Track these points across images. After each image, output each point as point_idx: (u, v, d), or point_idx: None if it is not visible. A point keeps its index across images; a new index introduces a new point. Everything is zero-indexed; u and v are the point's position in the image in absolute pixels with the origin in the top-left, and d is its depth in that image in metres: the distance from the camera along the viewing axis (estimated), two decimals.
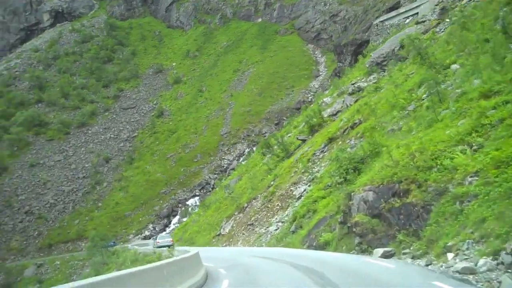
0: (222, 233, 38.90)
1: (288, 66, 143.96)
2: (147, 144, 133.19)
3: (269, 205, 31.59)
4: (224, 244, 35.49)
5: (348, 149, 27.18)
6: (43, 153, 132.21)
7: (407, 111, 25.34)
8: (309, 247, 21.43)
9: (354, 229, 16.28)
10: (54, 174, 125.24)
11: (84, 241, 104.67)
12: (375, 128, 26.02)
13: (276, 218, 29.52)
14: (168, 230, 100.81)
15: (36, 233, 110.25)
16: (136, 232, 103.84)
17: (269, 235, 28.09)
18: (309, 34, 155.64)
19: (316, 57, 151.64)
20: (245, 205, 37.77)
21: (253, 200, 36.38)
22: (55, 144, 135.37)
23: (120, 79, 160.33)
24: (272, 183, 35.28)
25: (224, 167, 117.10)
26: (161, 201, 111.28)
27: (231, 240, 34.90)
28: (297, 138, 44.92)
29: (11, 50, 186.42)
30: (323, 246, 19.80)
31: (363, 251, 16.34)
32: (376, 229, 15.25)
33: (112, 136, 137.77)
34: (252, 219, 33.12)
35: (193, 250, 21.26)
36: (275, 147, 46.39)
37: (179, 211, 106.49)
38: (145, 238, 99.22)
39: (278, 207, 30.35)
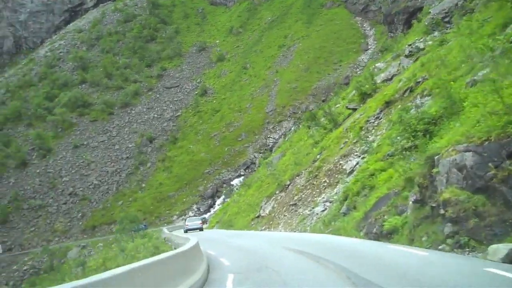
0: (262, 214, 34.06)
1: (335, 40, 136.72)
2: (191, 123, 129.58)
3: (315, 182, 26.40)
4: (263, 227, 30.69)
5: (412, 110, 21.54)
6: (87, 134, 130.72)
7: (491, 57, 19.22)
8: (367, 235, 16.07)
9: (442, 211, 10.71)
10: (98, 155, 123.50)
11: None
12: (448, 82, 20.17)
13: (323, 197, 24.30)
14: (212, 211, 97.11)
15: (80, 214, 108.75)
16: (180, 213, 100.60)
17: (314, 217, 22.96)
18: (357, 7, 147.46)
19: (364, 30, 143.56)
20: (288, 182, 32.66)
21: (297, 177, 31.25)
22: (98, 125, 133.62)
23: (163, 58, 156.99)
24: (318, 157, 29.99)
25: (270, 146, 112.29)
26: (205, 181, 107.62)
27: (271, 222, 30.05)
28: (347, 107, 39.27)
29: (56, 32, 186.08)
30: (389, 235, 14.40)
31: (461, 246, 10.45)
32: (482, 211, 9.76)
33: (155, 115, 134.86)
34: (295, 198, 28.02)
35: (191, 241, 16.14)
36: (322, 119, 40.88)
37: (224, 192, 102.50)
38: (203, 219, 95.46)
39: (325, 184, 25.11)
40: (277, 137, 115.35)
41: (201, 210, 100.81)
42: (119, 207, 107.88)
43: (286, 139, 73.57)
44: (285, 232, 24.74)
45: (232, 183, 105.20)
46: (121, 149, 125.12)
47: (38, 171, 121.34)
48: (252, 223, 35.75)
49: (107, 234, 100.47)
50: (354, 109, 37.10)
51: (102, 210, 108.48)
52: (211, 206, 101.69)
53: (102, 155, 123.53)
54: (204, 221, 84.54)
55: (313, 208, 24.36)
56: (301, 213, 25.48)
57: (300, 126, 78.85)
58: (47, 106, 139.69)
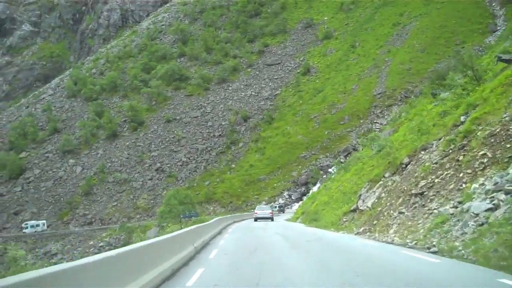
0: (361, 207, 22.41)
1: (458, 19, 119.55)
2: (290, 103, 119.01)
3: (461, 157, 14.39)
4: (360, 229, 19.09)
5: None
6: (181, 109, 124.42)
7: None
8: None
9: None
10: (190, 131, 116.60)
11: (213, 204, 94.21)
12: None
13: (483, 184, 12.35)
14: (304, 199, 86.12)
15: (165, 192, 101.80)
16: (269, 199, 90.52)
17: (469, 222, 11.16)
18: None
19: (493, 9, 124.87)
20: (406, 160, 20.65)
21: (422, 152, 19.22)
22: (193, 100, 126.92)
23: (266, 34, 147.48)
24: (462, 118, 17.74)
25: (376, 132, 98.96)
26: (300, 167, 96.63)
27: (374, 222, 18.42)
28: (499, 58, 26.48)
29: (161, 5, 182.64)
30: None
31: None
32: None
33: (253, 93, 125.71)
34: (421, 185, 16.16)
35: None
36: (457, 78, 28.25)
37: (320, 179, 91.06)
38: (280, 207, 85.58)
39: (485, 160, 13.01)
40: (384, 122, 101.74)
41: (293, 198, 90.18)
42: (205, 187, 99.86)
43: (398, 116, 60.37)
44: (401, 248, 12.99)
45: (330, 170, 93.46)
46: (213, 126, 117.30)
47: (127, 143, 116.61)
48: (345, 219, 24.29)
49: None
50: (509, 61, 24.38)
51: (187, 189, 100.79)
52: (304, 194, 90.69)
53: (194, 132, 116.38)
54: (281, 209, 73.71)
55: (461, 202, 12.55)
56: (435, 211, 13.74)
57: (420, 92, 65.30)
58: (143, 78, 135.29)
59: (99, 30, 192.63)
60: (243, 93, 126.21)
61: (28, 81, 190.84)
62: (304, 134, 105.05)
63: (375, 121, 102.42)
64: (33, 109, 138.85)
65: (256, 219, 42.38)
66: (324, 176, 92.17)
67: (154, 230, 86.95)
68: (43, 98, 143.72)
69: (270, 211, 44.59)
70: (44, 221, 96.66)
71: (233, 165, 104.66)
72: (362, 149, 47.24)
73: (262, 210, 44.95)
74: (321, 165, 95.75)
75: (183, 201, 64.61)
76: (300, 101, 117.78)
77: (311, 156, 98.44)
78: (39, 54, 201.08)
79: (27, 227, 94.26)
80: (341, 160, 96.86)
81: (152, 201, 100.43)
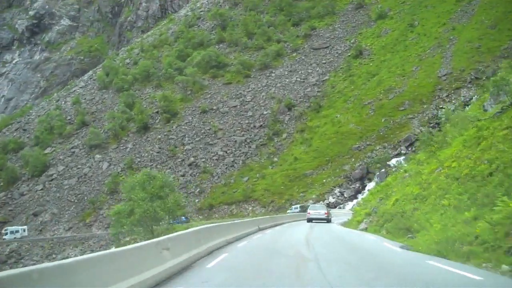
0: None
1: None
2: (340, 88, 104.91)
3: None
4: None
5: None
6: (218, 98, 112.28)
7: None
8: None
9: None
10: (227, 122, 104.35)
11: (251, 203, 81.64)
12: None
13: None
14: (359, 197, 72.24)
15: (198, 190, 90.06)
16: (318, 197, 76.94)
17: None
18: None
19: None
20: None
21: None
22: (232, 88, 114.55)
23: (313, 16, 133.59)
24: None
25: (442, 118, 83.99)
26: (353, 159, 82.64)
27: None
28: None
29: None
30: None
31: None
32: None
33: (298, 79, 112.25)
34: None
35: None
36: None
37: (378, 173, 76.89)
38: (329, 205, 72.10)
39: None
40: (452, 108, 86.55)
41: (345, 195, 76.36)
42: (243, 184, 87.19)
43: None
44: None
45: (389, 163, 79.11)
46: (254, 116, 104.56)
47: (159, 136, 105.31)
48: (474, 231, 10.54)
49: (227, 216, 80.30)
50: None
51: (223, 187, 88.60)
52: (359, 191, 76.73)
53: (232, 122, 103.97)
54: (303, 209, 61.78)
55: None
56: None
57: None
58: (178, 66, 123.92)
59: (138, 22, 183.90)
60: (287, 80, 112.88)
61: (65, 77, 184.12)
62: (357, 123, 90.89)
63: (441, 106, 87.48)
64: (62, 102, 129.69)
65: (309, 220, 38.15)
66: (382, 170, 77.90)
67: None
68: (74, 91, 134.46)
69: (326, 211, 39.24)
70: (25, 227, 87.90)
71: (276, 159, 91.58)
72: (446, 124, 32.83)
73: (316, 210, 40.10)
74: (379, 157, 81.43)
75: (158, 193, 42.89)
76: (352, 86, 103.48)
77: (366, 147, 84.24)
78: (77, 49, 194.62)
79: (6, 233, 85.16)
80: (402, 151, 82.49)
81: (183, 200, 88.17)
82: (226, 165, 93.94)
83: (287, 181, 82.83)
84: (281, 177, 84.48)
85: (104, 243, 79.23)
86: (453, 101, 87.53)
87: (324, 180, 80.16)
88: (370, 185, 78.47)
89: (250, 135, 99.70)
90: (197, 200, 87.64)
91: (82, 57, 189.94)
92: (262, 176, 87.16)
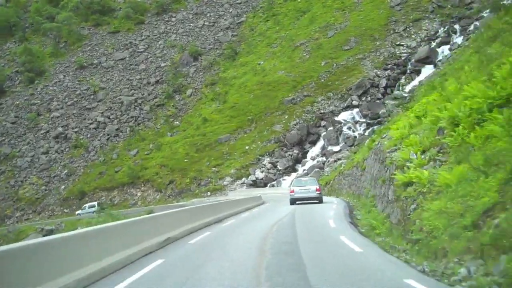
0: None
1: None
2: (261, 31, 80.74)
3: None
4: None
5: None
6: (101, 50, 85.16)
7: None
8: None
9: None
10: (112, 78, 77.97)
11: (141, 187, 55.49)
12: None
13: None
14: (301, 169, 48.21)
15: (66, 172, 62.27)
16: (239, 172, 51.89)
17: None
18: None
19: None
20: None
21: None
22: (120, 38, 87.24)
23: None
24: None
25: (403, 58, 62.05)
26: (286, 116, 58.48)
27: None
28: None
29: None
30: None
31: None
32: None
33: (206, 24, 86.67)
34: None
35: None
36: None
37: (324, 134, 52.81)
38: (255, 183, 47.98)
39: None
40: (414, 44, 64.25)
41: (279, 167, 51.38)
42: (130, 159, 60.43)
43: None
44: None
45: (338, 118, 55.03)
46: (148, 70, 78.26)
47: (17, 102, 76.22)
48: None
49: (108, 207, 52.94)
50: None
51: (101, 165, 61.67)
52: (298, 160, 52.25)
53: (118, 79, 77.19)
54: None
55: None
56: None
57: None
58: (49, 13, 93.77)
59: None
60: (192, 25, 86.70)
61: None
62: (287, 70, 66.49)
63: (398, 42, 65.12)
64: None
65: (293, 202, 25.44)
66: (330, 128, 53.68)
67: (34, 238, 46.85)
68: None
69: (317, 186, 25.74)
70: None
71: (177, 122, 65.89)
72: None
73: (303, 186, 26.06)
74: (322, 111, 57.39)
75: None
76: (277, 27, 79.08)
77: (303, 99, 59.99)
78: None
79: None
80: (354, 101, 58.82)
81: (44, 188, 60.52)
82: (108, 135, 67.04)
83: (193, 152, 56.94)
84: (185, 147, 58.53)
85: None
86: (413, 36, 65.45)
87: (246, 147, 54.99)
88: (315, 150, 54.34)
89: (143, 94, 73.36)
90: (63, 187, 59.93)
91: None
92: (157, 147, 61.03)
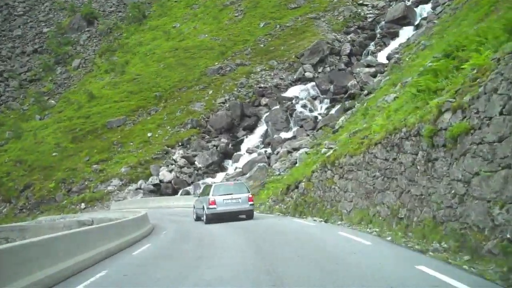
0: None
1: None
2: None
3: None
4: None
5: None
6: None
7: None
8: None
9: None
10: None
11: None
12: None
13: None
14: (232, 164, 30.75)
15: None
16: (132, 170, 33.22)
17: None
18: None
19: None
20: None
21: None
22: None
23: None
24: None
25: (369, 20, 46.88)
26: (211, 92, 41.03)
27: None
28: None
29: None
30: None
31: None
32: None
33: None
34: None
35: None
36: None
37: (266, 115, 35.55)
38: (159, 189, 29.36)
39: None
40: (382, 3, 48.70)
41: (199, 164, 33.19)
42: None
43: None
44: None
45: (286, 94, 37.80)
46: (25, 36, 58.64)
47: None
48: None
49: None
50: None
51: None
52: (228, 154, 34.47)
53: None
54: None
55: None
56: None
57: None
58: None
59: None
60: None
61: None
62: (213, 33, 48.59)
63: (361, 1, 49.59)
64: None
65: (212, 219, 17.75)
66: (276, 107, 36.37)
67: None
68: None
69: (249, 194, 18.47)
70: None
71: (52, 101, 46.35)
72: None
73: (229, 194, 18.17)
74: (262, 85, 39.93)
75: None
76: None
77: (236, 69, 42.37)
78: None
79: None
80: (308, 73, 41.93)
81: None
82: None
83: (67, 142, 38.40)
84: (56, 134, 39.98)
85: None
86: None
87: (149, 134, 36.74)
88: (252, 139, 36.76)
89: (12, 66, 53.41)
90: None
91: None
92: (17, 135, 41.04)
